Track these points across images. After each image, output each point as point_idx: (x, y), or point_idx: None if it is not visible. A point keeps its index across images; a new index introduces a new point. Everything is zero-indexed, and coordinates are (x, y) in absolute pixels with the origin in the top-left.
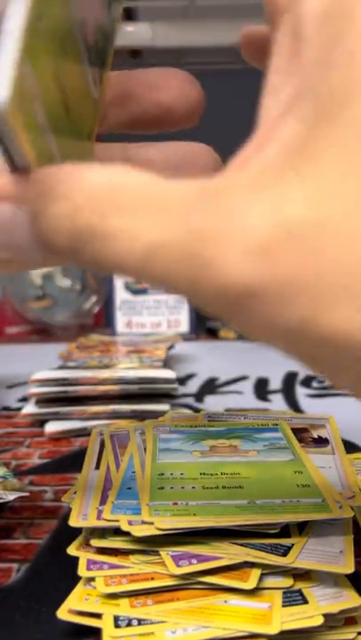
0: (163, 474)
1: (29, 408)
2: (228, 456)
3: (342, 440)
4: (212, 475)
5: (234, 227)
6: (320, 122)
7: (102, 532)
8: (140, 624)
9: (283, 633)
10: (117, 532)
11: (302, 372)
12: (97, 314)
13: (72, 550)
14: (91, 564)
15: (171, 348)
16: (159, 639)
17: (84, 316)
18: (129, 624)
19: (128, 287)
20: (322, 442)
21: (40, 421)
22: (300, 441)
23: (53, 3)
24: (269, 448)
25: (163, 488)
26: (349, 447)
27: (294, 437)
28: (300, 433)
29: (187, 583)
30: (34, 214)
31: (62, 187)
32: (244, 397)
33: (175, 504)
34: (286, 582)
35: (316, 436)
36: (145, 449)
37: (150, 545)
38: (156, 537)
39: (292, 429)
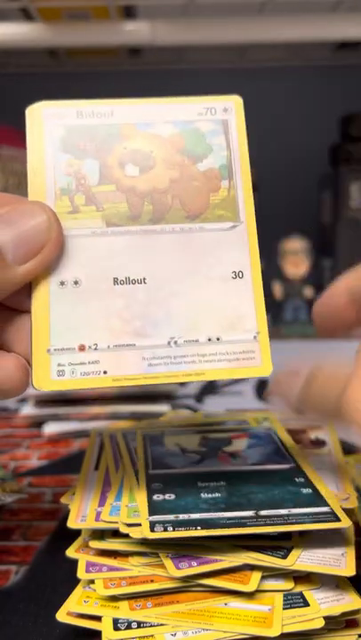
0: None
1: (28, 409)
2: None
3: (344, 441)
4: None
5: None
6: None
7: (101, 534)
8: (139, 627)
9: (283, 636)
10: (116, 533)
11: None
12: None
13: (71, 552)
14: (90, 566)
15: None
16: None
17: None
18: (128, 627)
19: None
20: (319, 443)
21: (39, 422)
22: (297, 442)
23: None
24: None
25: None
26: (351, 448)
27: (292, 442)
28: (297, 434)
29: (187, 586)
30: None
31: None
32: (245, 398)
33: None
34: (287, 585)
35: (313, 438)
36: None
37: (150, 547)
38: (155, 539)
39: (290, 430)
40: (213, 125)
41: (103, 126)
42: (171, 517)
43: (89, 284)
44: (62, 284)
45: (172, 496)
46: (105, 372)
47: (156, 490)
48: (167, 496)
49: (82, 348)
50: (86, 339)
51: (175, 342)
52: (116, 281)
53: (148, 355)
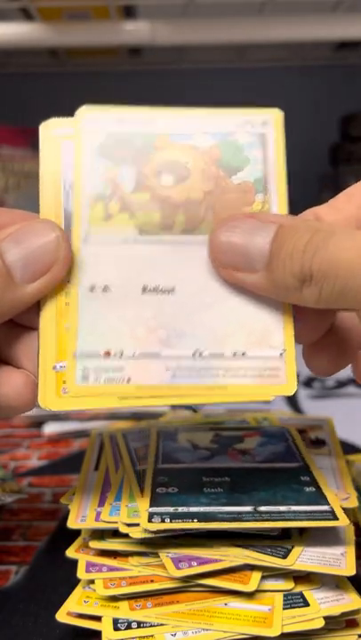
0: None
1: None
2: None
3: (344, 442)
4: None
5: None
6: None
7: (101, 534)
8: (139, 627)
9: (283, 636)
10: (116, 533)
11: (304, 373)
12: None
13: (71, 552)
14: (90, 566)
15: None
16: None
17: None
18: (128, 627)
19: None
20: (319, 443)
21: (39, 422)
22: None
23: None
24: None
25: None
26: (351, 449)
27: (302, 442)
28: (298, 434)
29: (187, 586)
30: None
31: None
32: None
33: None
34: (287, 585)
35: (313, 438)
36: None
37: (150, 547)
38: (155, 539)
39: None
40: (251, 138)
41: (141, 135)
42: (170, 509)
43: (118, 291)
44: (92, 289)
45: (176, 489)
46: (128, 380)
47: (161, 483)
48: (170, 489)
49: (108, 354)
50: (110, 346)
51: (200, 354)
52: (145, 289)
53: (173, 365)
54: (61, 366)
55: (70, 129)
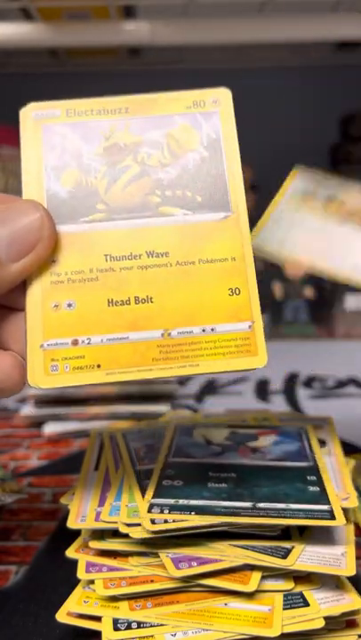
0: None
1: (28, 409)
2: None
3: (344, 441)
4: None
5: None
6: None
7: (101, 534)
8: (139, 627)
9: (283, 636)
10: (116, 533)
11: (304, 372)
12: None
13: (71, 552)
14: (90, 566)
15: None
16: None
17: None
18: (128, 627)
19: None
20: (319, 443)
21: (39, 422)
22: None
23: None
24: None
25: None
26: (351, 449)
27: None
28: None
29: (187, 586)
30: None
31: None
32: (245, 398)
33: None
34: (287, 585)
35: None
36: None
37: (150, 547)
38: (155, 539)
39: None
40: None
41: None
42: (170, 501)
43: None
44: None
45: (181, 482)
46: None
47: (168, 476)
48: (176, 482)
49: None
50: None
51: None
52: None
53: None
54: (49, 344)
55: (49, 111)
